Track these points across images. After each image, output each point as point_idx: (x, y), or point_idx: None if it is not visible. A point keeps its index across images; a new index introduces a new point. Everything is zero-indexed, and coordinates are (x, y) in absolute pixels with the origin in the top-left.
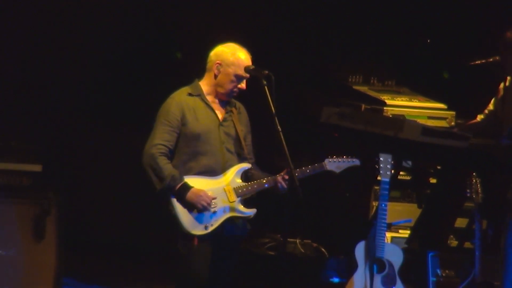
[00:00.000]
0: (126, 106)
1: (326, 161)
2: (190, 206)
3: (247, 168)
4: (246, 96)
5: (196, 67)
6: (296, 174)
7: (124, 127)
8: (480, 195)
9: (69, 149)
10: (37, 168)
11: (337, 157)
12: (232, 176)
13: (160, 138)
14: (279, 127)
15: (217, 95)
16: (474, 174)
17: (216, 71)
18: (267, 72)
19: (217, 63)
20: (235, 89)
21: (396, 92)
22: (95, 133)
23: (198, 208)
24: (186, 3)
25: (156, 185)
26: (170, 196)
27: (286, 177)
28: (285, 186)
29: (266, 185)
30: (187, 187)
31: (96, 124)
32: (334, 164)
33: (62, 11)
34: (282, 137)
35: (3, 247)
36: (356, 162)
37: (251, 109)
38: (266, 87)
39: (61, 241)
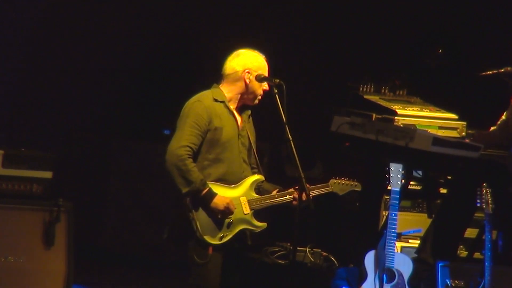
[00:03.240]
0: (138, 113)
1: (331, 181)
2: (213, 213)
3: (261, 180)
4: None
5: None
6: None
7: (135, 135)
8: (490, 205)
9: (80, 157)
10: (47, 175)
11: (340, 178)
12: (247, 188)
13: (188, 140)
14: (290, 135)
15: (241, 102)
16: (484, 184)
17: (247, 80)
18: (278, 80)
19: (246, 71)
20: (262, 93)
21: (407, 102)
22: (105, 140)
23: (222, 215)
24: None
25: (181, 187)
26: (194, 200)
27: (303, 195)
28: (300, 203)
29: (282, 201)
30: (213, 193)
31: (107, 132)
32: (338, 186)
33: (74, 17)
34: (293, 145)
35: (12, 253)
36: (357, 187)
37: (262, 118)
38: (277, 96)
39: (71, 248)
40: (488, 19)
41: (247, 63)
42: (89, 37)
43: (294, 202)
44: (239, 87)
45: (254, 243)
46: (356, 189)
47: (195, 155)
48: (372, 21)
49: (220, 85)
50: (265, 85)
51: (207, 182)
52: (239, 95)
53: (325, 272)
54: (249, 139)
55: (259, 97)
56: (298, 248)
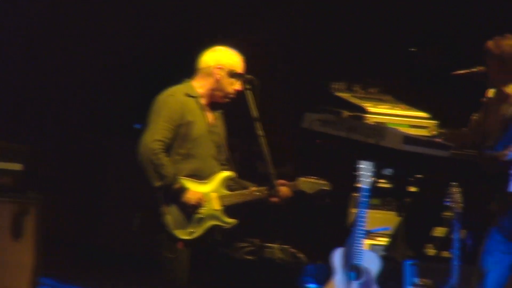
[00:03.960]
0: (109, 107)
1: (300, 180)
2: (184, 208)
3: (231, 177)
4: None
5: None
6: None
7: (132, 133)
8: (459, 204)
9: (50, 149)
10: (17, 167)
11: (309, 177)
12: (218, 184)
13: (162, 134)
14: (261, 132)
15: (211, 98)
16: (454, 183)
17: (218, 76)
18: (250, 76)
19: (219, 67)
20: (233, 92)
21: (379, 99)
22: (76, 133)
23: (193, 210)
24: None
25: (153, 181)
26: (165, 195)
27: (275, 192)
28: (274, 200)
29: (252, 198)
30: (185, 188)
31: (77, 125)
32: (307, 184)
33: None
34: (263, 142)
35: None
36: (326, 186)
37: (234, 114)
38: (248, 92)
39: (40, 240)
40: (461, 19)
41: (220, 59)
42: (78, 34)
43: (272, 199)
44: (210, 82)
45: (224, 239)
46: (325, 188)
47: (167, 150)
48: (344, 19)
49: (193, 80)
50: (237, 85)
51: (179, 177)
52: (210, 91)
53: (293, 269)
54: (219, 135)
55: (231, 96)
56: (267, 244)
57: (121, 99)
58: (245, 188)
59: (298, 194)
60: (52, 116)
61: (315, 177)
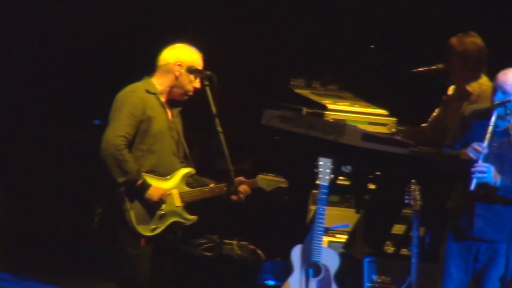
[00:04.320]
0: (73, 103)
1: (258, 177)
2: (146, 204)
3: (191, 174)
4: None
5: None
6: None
7: (68, 124)
8: (418, 202)
9: (12, 145)
10: None
11: (268, 174)
12: (178, 180)
13: (124, 130)
14: (219, 128)
15: (170, 96)
16: (413, 181)
17: (177, 73)
18: (209, 72)
19: (178, 64)
20: (192, 89)
21: (338, 96)
22: (38, 129)
23: (156, 207)
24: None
25: (117, 177)
26: (128, 191)
27: (235, 188)
28: (235, 198)
29: (212, 194)
30: (147, 184)
31: (40, 120)
32: (265, 181)
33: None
34: (222, 138)
35: None
36: (283, 183)
37: (193, 110)
38: (207, 88)
39: None
40: (420, 16)
41: (180, 56)
42: (38, 29)
43: (234, 197)
44: (169, 79)
45: (184, 236)
46: (282, 185)
47: (129, 146)
48: (304, 16)
49: (152, 77)
50: (196, 83)
51: (142, 173)
52: (169, 88)
53: (252, 265)
54: (178, 132)
55: (189, 94)
56: (225, 241)
57: (80, 95)
58: (204, 185)
59: (257, 191)
60: (6, 111)
61: (273, 174)
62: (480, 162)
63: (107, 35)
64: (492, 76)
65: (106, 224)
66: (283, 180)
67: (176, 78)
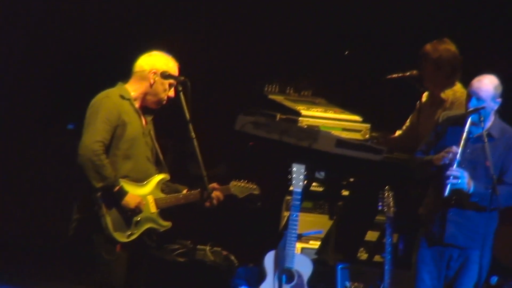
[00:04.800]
0: (48, 108)
1: (231, 184)
2: (123, 210)
3: (166, 179)
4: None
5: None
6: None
7: (39, 128)
8: (392, 208)
9: None
10: None
11: (240, 181)
12: (153, 186)
13: (101, 135)
14: (193, 134)
15: (144, 102)
16: (387, 187)
17: (152, 80)
18: (183, 78)
19: (153, 72)
20: (165, 98)
21: (312, 102)
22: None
23: (132, 213)
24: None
25: (94, 182)
26: (104, 196)
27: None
28: (208, 203)
29: (186, 201)
30: (124, 191)
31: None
32: (238, 188)
33: None
34: (196, 144)
35: None
36: (256, 190)
37: (166, 116)
38: (181, 93)
39: None
40: (394, 23)
41: (155, 64)
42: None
43: (207, 204)
44: (144, 86)
45: (158, 241)
46: (255, 192)
47: (106, 151)
48: (278, 21)
49: (127, 83)
50: (170, 92)
51: (119, 179)
52: (143, 95)
53: (224, 271)
54: (152, 138)
55: (163, 102)
56: (198, 246)
57: (55, 100)
58: (176, 191)
59: (229, 198)
60: None
61: (245, 181)
62: (454, 167)
63: (82, 40)
64: (466, 83)
65: (83, 229)
66: (255, 187)
67: (151, 85)
